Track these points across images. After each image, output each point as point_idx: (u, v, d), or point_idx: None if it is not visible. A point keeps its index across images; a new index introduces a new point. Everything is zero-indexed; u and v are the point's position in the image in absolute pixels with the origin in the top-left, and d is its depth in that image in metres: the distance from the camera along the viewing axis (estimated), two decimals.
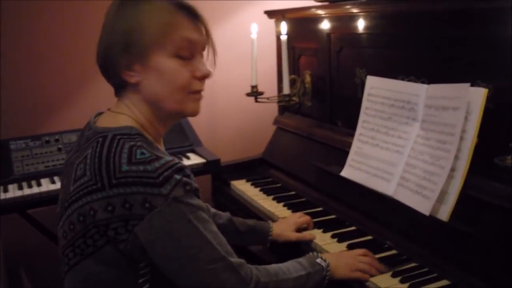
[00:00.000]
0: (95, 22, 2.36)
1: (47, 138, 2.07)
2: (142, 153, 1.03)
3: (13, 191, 1.82)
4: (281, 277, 1.21)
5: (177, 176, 1.03)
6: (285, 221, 1.63)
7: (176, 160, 1.06)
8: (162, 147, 1.21)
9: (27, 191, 1.82)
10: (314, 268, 1.28)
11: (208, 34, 1.18)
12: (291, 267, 1.26)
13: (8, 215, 2.10)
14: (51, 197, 1.82)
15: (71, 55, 2.29)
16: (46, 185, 1.88)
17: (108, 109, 1.19)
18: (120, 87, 1.17)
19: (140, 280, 1.09)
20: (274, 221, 1.68)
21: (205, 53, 1.20)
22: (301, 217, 1.63)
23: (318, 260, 1.30)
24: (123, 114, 1.14)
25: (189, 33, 1.12)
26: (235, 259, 1.11)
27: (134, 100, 1.15)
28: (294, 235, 1.56)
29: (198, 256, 1.05)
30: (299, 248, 1.54)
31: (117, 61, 1.11)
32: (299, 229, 1.60)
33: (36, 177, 1.94)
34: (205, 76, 1.15)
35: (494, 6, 1.28)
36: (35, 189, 1.84)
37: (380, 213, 1.56)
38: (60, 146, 2.06)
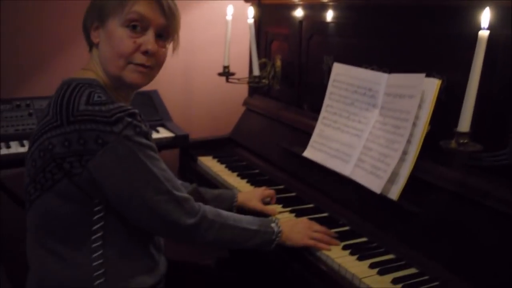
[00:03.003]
0: None
1: (18, 103, 2.08)
2: (99, 97, 1.14)
3: None
4: (229, 222, 1.30)
5: (128, 119, 1.13)
6: (250, 192, 1.71)
7: (130, 107, 1.16)
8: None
9: None
10: (265, 228, 1.36)
11: (170, 18, 1.25)
12: (244, 219, 1.35)
13: None
14: (20, 159, 1.83)
15: (46, 23, 2.30)
16: (15, 148, 1.90)
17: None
18: (91, 46, 1.30)
19: (95, 217, 1.18)
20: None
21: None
22: (265, 190, 1.70)
23: (272, 224, 1.39)
24: (90, 70, 1.26)
25: (141, 9, 1.20)
26: (181, 194, 1.21)
27: (97, 60, 1.27)
28: (259, 205, 1.62)
29: (145, 189, 1.15)
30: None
31: (89, 22, 1.26)
32: (263, 202, 1.67)
33: (5, 139, 1.96)
34: (147, 51, 1.21)
35: (451, 4, 1.39)
36: (4, 151, 1.87)
37: (337, 192, 1.65)
38: (31, 111, 2.07)
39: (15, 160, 1.86)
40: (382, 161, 1.45)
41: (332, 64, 1.78)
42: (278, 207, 1.66)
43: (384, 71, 1.58)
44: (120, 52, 1.20)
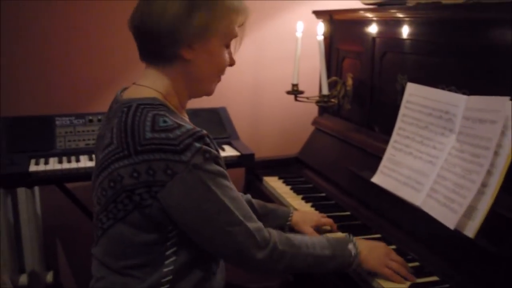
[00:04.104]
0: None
1: (90, 117, 2.15)
2: (164, 121, 1.08)
3: (53, 164, 1.91)
4: (301, 250, 1.23)
5: (197, 144, 1.08)
6: (307, 214, 1.63)
7: (198, 129, 1.11)
8: (185, 117, 1.27)
9: (66, 165, 1.90)
10: (342, 252, 1.28)
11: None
12: (317, 243, 1.27)
13: (49, 189, 2.20)
14: (88, 173, 1.87)
15: (117, 39, 2.33)
16: (84, 162, 1.95)
17: (134, 83, 1.25)
18: (162, 59, 1.18)
19: (168, 243, 1.16)
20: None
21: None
22: (324, 217, 1.61)
23: (350, 246, 1.30)
24: (146, 87, 1.19)
25: (240, 31, 1.22)
26: (253, 224, 1.16)
27: (172, 73, 1.19)
28: (309, 230, 1.54)
29: (216, 220, 1.11)
30: None
31: (181, 36, 1.13)
32: (320, 230, 1.58)
33: (76, 153, 2.02)
34: (234, 63, 1.26)
35: None
36: (74, 164, 1.92)
37: (406, 223, 1.52)
38: None
39: (83, 174, 1.91)
40: (458, 192, 1.31)
41: (406, 83, 1.66)
42: (342, 236, 1.56)
43: (463, 93, 1.44)
44: (221, 68, 1.23)
